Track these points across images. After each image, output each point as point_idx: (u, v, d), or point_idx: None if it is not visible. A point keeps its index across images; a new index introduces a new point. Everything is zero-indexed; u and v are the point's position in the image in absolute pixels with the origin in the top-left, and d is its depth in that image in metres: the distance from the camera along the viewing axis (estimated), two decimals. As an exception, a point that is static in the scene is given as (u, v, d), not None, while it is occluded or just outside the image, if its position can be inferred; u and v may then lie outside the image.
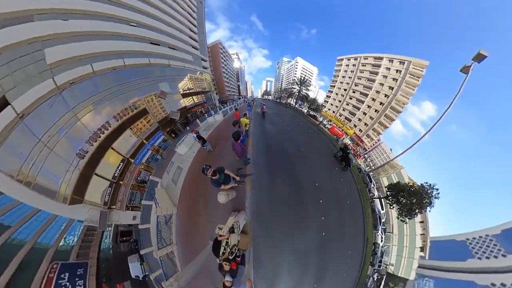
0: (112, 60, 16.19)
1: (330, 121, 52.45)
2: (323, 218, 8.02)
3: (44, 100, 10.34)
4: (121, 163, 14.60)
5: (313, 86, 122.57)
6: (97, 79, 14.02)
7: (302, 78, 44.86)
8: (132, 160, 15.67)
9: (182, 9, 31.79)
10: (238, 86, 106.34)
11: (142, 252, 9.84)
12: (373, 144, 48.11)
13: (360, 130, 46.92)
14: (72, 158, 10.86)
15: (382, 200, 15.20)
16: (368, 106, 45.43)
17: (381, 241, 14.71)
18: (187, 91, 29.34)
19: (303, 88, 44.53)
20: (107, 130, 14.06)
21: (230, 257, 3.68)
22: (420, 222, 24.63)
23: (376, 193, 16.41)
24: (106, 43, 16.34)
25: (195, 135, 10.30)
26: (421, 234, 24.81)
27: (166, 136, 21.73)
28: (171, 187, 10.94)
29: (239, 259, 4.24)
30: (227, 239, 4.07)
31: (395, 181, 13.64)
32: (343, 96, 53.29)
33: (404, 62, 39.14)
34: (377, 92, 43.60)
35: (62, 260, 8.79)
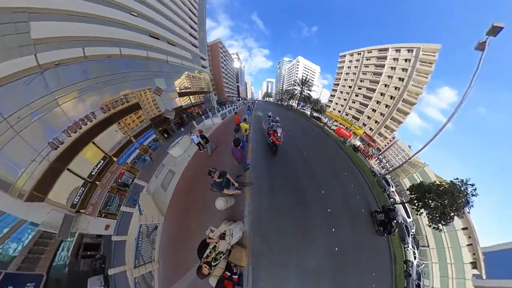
0: (107, 47, 15.77)
1: (336, 121, 49.88)
2: (333, 230, 7.20)
3: (20, 76, 9.40)
4: (102, 161, 13.28)
5: (315, 85, 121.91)
6: (88, 64, 13.53)
7: (304, 78, 43.81)
8: (115, 159, 14.42)
9: (184, 4, 32.48)
10: (238, 87, 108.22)
11: (110, 272, 8.21)
12: (388, 143, 46.38)
13: (370, 129, 44.69)
14: (43, 147, 9.63)
15: (406, 205, 13.46)
16: (377, 102, 43.53)
17: (415, 258, 12.00)
18: (184, 90, 29.12)
19: (305, 88, 43.38)
20: (91, 121, 12.85)
21: (213, 263, 3.52)
22: (463, 228, 19.53)
23: (397, 198, 14.69)
24: (103, 28, 15.91)
25: (196, 134, 9.70)
26: (468, 245, 19.45)
27: (158, 136, 20.84)
28: (159, 193, 9.91)
29: (235, 277, 3.94)
30: (216, 243, 3.86)
31: (418, 182, 11.63)
32: (348, 94, 52.35)
33: (413, 50, 37.00)
34: (386, 85, 41.91)
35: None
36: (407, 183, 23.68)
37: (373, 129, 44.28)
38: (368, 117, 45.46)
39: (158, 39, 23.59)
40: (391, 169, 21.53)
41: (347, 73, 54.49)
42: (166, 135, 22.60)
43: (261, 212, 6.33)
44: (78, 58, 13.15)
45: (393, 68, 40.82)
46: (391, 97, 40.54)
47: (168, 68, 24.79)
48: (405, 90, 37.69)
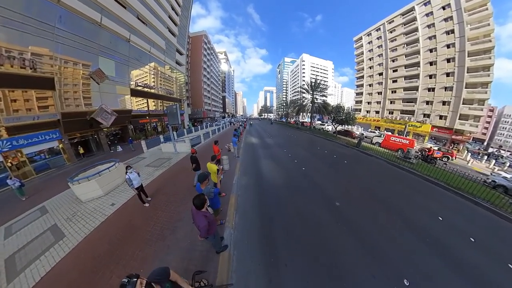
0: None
1: (378, 129, 45.38)
2: None
3: None
4: None
5: (332, 87, 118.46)
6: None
7: (313, 81, 40.77)
8: None
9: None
10: (224, 98, 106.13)
11: None
12: (486, 124, 36.70)
13: (441, 117, 38.25)
14: None
15: None
16: (430, 77, 39.83)
17: None
18: (142, 89, 26.15)
19: (318, 94, 40.59)
20: None
21: None
22: None
23: None
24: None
25: (138, 172, 7.81)
26: None
27: (65, 147, 16.44)
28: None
29: None
30: None
31: None
32: (381, 84, 50.34)
33: (448, -9, 35.96)
34: (431, 50, 39.50)
35: None
36: None
37: (445, 116, 37.53)
38: (427, 102, 39.98)
39: (125, 7, 22.55)
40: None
41: (370, 59, 54.57)
42: (82, 150, 18.03)
43: None
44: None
45: (430, 26, 39.28)
46: (448, 60, 36.76)
47: (126, 50, 23.02)
48: (465, 41, 34.40)
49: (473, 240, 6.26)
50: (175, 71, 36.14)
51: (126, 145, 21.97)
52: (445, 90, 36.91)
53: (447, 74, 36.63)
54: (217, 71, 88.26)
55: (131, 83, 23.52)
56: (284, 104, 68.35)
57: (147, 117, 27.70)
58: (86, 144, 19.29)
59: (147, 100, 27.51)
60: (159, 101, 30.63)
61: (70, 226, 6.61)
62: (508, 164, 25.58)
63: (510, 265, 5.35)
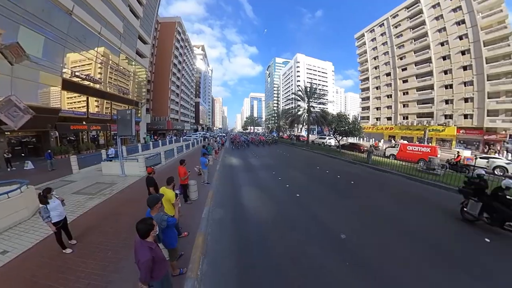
0: None
1: (393, 138, 49.72)
2: None
3: None
4: None
5: (332, 92, 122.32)
6: None
7: (309, 86, 42.96)
8: None
9: None
10: (197, 105, 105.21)
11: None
12: None
13: (465, 116, 41.90)
14: None
15: None
16: (445, 72, 44.85)
17: None
18: (82, 81, 24.58)
19: (314, 101, 42.51)
20: None
21: None
22: None
23: None
24: None
25: (61, 198, 6.59)
26: None
27: None
28: None
29: None
30: None
31: None
32: (390, 85, 55.65)
33: (454, -20, 42.37)
34: (443, 44, 44.95)
35: None
36: None
37: (471, 115, 41.10)
38: (447, 101, 44.67)
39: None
40: None
41: (374, 58, 61.22)
42: None
43: None
44: None
45: (439, 18, 45.16)
46: (463, 53, 42.04)
47: (65, 25, 22.66)
48: (478, 30, 39.56)
49: None
50: (133, 64, 35.00)
51: (42, 161, 18.20)
52: (465, 86, 41.15)
53: (464, 68, 41.11)
54: (190, 70, 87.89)
55: (65, 71, 21.60)
56: (275, 114, 68.65)
57: (84, 123, 25.17)
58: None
59: (88, 99, 25.39)
60: (105, 101, 28.67)
61: None
62: None
63: None
